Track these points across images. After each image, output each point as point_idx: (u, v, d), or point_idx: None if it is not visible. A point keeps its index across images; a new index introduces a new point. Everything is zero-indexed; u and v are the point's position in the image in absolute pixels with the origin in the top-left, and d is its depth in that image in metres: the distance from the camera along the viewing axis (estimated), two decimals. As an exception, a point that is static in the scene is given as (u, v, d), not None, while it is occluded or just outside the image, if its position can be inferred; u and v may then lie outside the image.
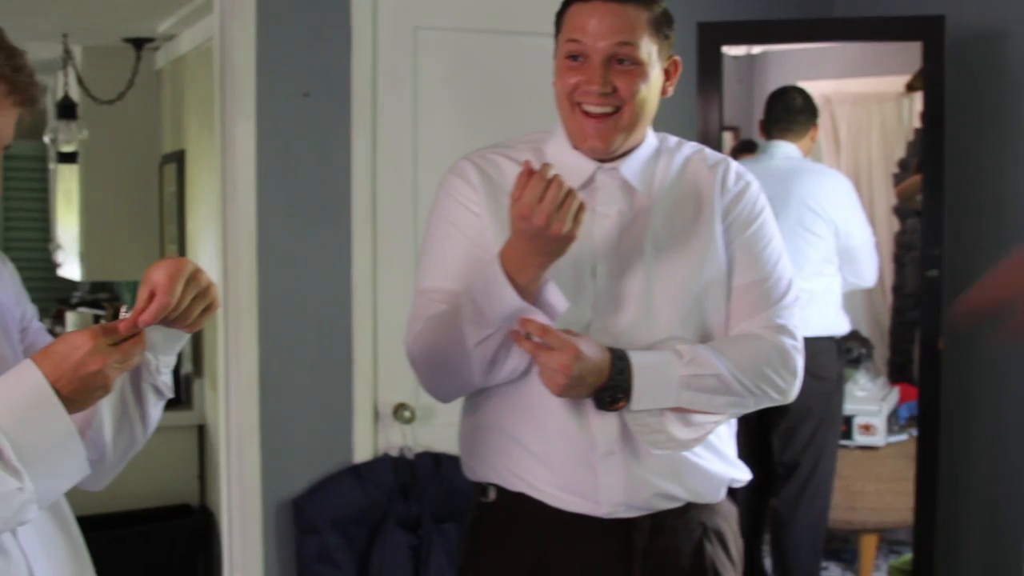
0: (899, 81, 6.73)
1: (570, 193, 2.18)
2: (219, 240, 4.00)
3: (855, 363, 5.01)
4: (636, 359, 2.34)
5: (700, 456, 2.46)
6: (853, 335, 4.93)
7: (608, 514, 2.41)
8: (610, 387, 2.32)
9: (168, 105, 7.37)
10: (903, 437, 5.43)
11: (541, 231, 2.17)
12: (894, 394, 5.61)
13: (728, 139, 4.88)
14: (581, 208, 2.20)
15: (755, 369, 2.40)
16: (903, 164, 7.31)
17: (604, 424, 2.39)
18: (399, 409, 4.03)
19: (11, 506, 1.71)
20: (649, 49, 2.38)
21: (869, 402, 5.37)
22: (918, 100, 6.93)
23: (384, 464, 4.01)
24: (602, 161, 2.44)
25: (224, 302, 3.98)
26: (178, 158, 6.84)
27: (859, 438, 5.34)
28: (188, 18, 6.29)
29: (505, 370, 2.37)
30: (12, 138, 1.88)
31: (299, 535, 3.93)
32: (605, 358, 2.31)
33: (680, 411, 2.38)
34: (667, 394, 2.35)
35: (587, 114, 2.39)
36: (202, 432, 6.16)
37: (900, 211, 6.93)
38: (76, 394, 1.77)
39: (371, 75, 3.99)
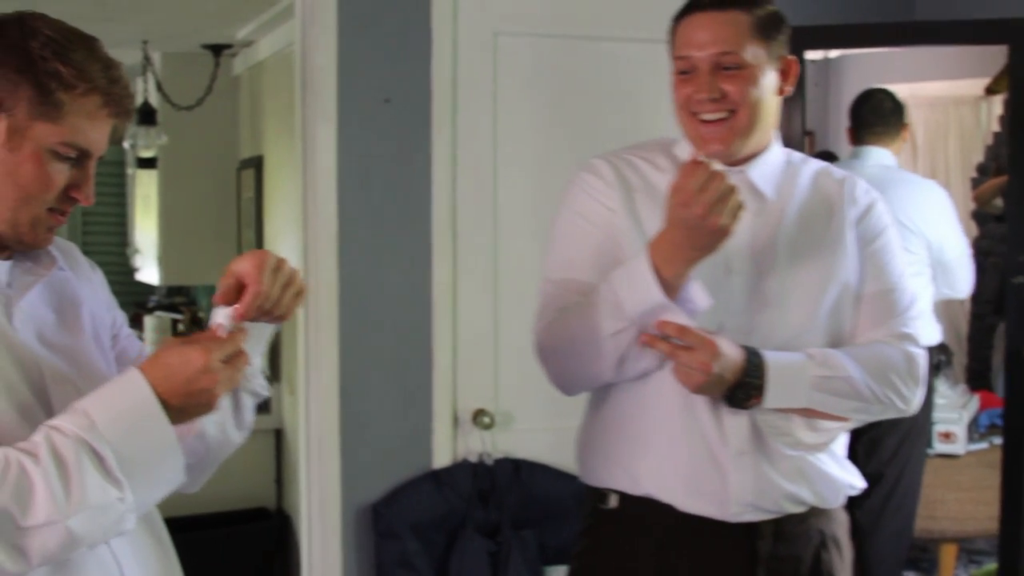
0: (977, 84, 6.66)
1: (732, 188, 2.20)
2: (300, 245, 4.01)
3: (935, 370, 4.96)
4: (770, 358, 2.36)
5: (824, 461, 2.49)
6: (934, 342, 4.87)
7: (735, 516, 2.42)
8: (744, 384, 2.34)
9: (246, 111, 7.41)
10: (984, 445, 5.37)
11: (699, 221, 2.18)
12: (974, 402, 5.54)
13: (805, 143, 4.84)
14: (740, 206, 2.22)
15: (883, 376, 2.42)
16: (981, 169, 7.24)
17: (737, 423, 2.40)
18: (478, 415, 4.02)
19: (111, 516, 1.72)
20: (755, 52, 2.40)
21: (949, 410, 5.31)
22: (997, 103, 6.87)
23: (463, 470, 4.00)
24: (728, 165, 2.42)
25: (305, 308, 3.99)
26: (256, 163, 6.88)
27: (939, 446, 5.29)
28: (267, 24, 6.32)
29: (637, 365, 2.38)
30: (106, 148, 1.90)
31: (378, 540, 3.93)
32: (740, 356, 2.33)
33: (807, 414, 2.41)
34: (799, 394, 2.38)
35: (703, 121, 2.42)
36: (279, 436, 6.19)
37: (978, 216, 6.86)
38: (183, 409, 1.78)
39: (451, 80, 3.99)
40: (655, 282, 2.25)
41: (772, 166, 2.52)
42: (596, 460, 2.56)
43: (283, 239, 6.35)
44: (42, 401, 1.87)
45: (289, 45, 5.99)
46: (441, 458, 4.04)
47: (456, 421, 4.05)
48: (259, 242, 6.88)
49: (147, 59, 7.11)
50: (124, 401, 1.74)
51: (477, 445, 4.03)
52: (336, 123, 3.90)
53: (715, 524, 2.43)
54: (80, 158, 1.85)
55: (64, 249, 2.08)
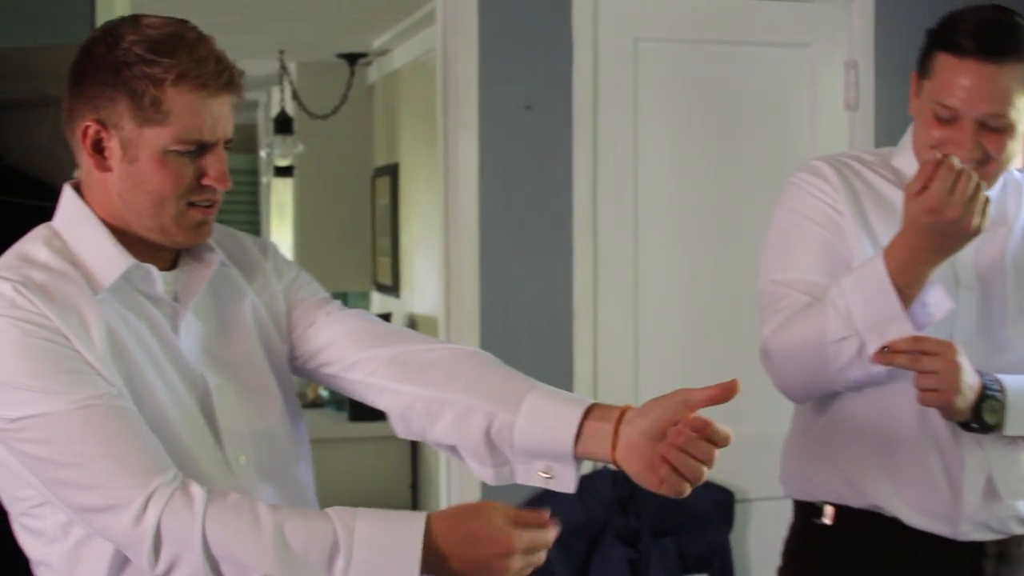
0: None
1: (979, 185, 2.13)
2: (441, 253, 4.03)
3: None
4: (1009, 382, 2.27)
5: None
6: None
7: (963, 535, 2.35)
8: (983, 407, 2.24)
9: (380, 119, 7.48)
10: None
11: (952, 225, 2.11)
12: None
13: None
14: (988, 202, 2.14)
15: None
16: None
17: (972, 437, 2.32)
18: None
19: None
20: (1021, 105, 2.26)
21: None
22: None
23: (603, 477, 3.99)
24: None
25: (446, 314, 4.02)
26: (391, 171, 6.94)
27: None
28: (403, 33, 6.38)
29: (864, 374, 2.29)
30: (231, 131, 1.87)
31: (518, 547, 3.93)
32: (977, 375, 2.23)
33: None
34: None
35: None
36: (415, 443, 6.22)
37: None
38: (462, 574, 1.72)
39: (592, 87, 3.99)
40: (892, 290, 2.18)
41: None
42: (811, 472, 2.47)
43: (420, 246, 6.40)
44: (207, 415, 1.89)
45: (425, 53, 6.05)
46: (581, 465, 4.02)
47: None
48: (394, 249, 6.93)
49: (283, 69, 7.21)
50: (391, 540, 1.70)
51: (618, 452, 4.01)
52: (477, 130, 3.92)
53: (941, 541, 2.36)
54: (200, 148, 1.83)
55: (232, 241, 2.06)
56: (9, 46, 3.76)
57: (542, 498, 3.93)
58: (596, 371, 4.01)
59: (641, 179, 4.04)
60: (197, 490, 1.70)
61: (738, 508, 4.07)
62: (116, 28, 1.83)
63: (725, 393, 1.73)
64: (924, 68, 2.33)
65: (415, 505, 6.25)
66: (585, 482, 3.99)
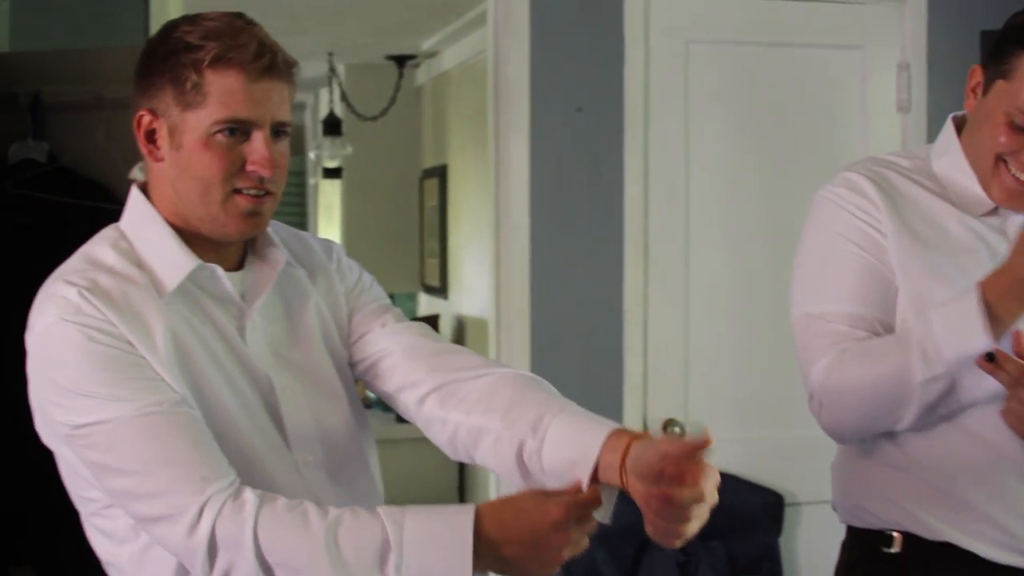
0: None
1: None
2: (492, 255, 4.03)
3: None
4: None
5: None
6: None
7: None
8: None
9: (429, 121, 7.49)
10: None
11: None
12: None
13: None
14: None
15: None
16: None
17: None
18: (668, 424, 4.00)
19: None
20: None
21: None
22: None
23: (653, 479, 3.98)
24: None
25: (496, 317, 4.02)
26: (440, 173, 6.95)
27: None
28: (453, 35, 6.39)
29: (944, 412, 2.18)
30: (280, 117, 1.85)
31: (567, 548, 3.93)
32: None
33: None
34: None
35: (1016, 178, 2.20)
36: (462, 443, 6.23)
37: None
38: (522, 561, 1.70)
39: (643, 89, 3.98)
40: (984, 326, 2.06)
41: None
42: (875, 501, 2.31)
43: (468, 248, 6.41)
44: (274, 416, 1.89)
45: (475, 55, 6.06)
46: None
47: (646, 430, 4.03)
48: (442, 251, 6.94)
49: (332, 70, 7.23)
50: (442, 533, 1.68)
51: (667, 454, 4.00)
52: (528, 132, 3.92)
53: (1016, 573, 2.23)
54: (244, 130, 1.82)
55: (297, 242, 2.07)
56: (64, 49, 3.79)
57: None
58: (646, 373, 4.00)
59: (692, 181, 4.03)
60: (249, 496, 1.70)
61: (788, 512, 4.05)
62: (174, 23, 1.86)
63: (700, 445, 1.68)
64: (1002, 68, 2.19)
65: (462, 502, 6.26)
66: (635, 484, 3.98)
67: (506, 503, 1.71)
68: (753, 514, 4.00)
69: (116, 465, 1.74)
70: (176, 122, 1.82)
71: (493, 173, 4.01)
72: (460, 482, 6.25)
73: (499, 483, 4.06)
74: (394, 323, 2.07)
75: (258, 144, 1.83)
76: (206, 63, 1.79)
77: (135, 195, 1.92)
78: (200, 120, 1.80)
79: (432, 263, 7.25)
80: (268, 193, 1.87)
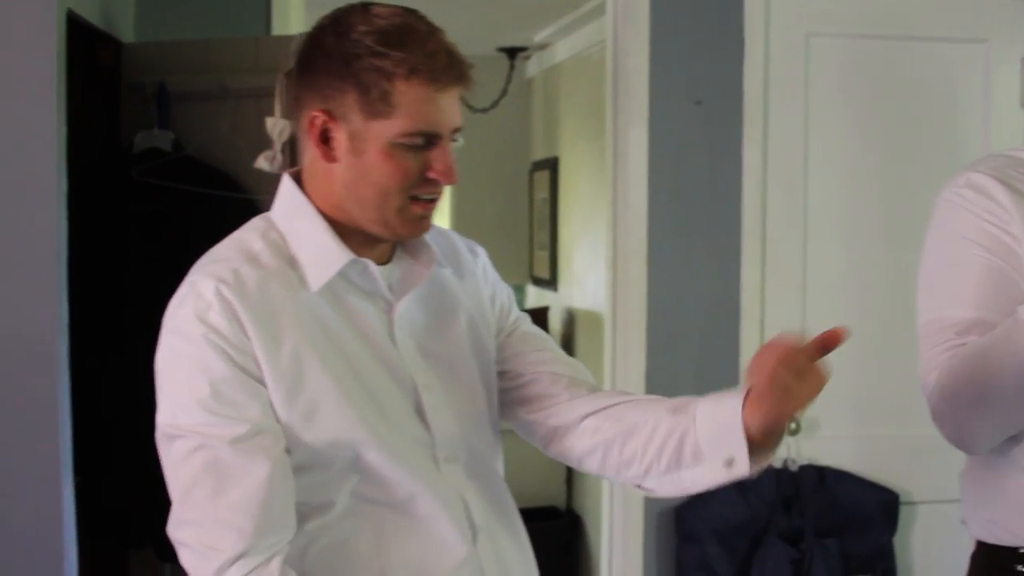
0: None
1: None
2: (608, 248, 4.02)
3: None
4: None
5: None
6: None
7: None
8: None
9: (539, 113, 7.49)
10: None
11: None
12: None
13: None
14: None
15: None
16: None
17: None
18: (784, 421, 3.97)
19: None
20: None
21: None
22: None
23: (767, 475, 3.95)
24: None
25: (612, 311, 4.01)
26: (551, 165, 6.94)
27: None
28: (566, 27, 6.39)
29: None
30: (459, 122, 1.83)
31: (680, 544, 3.92)
32: None
33: None
34: None
35: None
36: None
37: None
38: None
39: (763, 82, 3.94)
40: None
41: None
42: (1011, 515, 2.17)
43: (579, 241, 6.40)
44: (419, 413, 1.89)
45: (588, 47, 6.05)
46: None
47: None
48: (552, 243, 6.94)
49: (444, 62, 7.25)
50: None
51: (782, 451, 3.98)
52: (647, 125, 3.90)
53: None
54: (428, 142, 1.79)
55: (443, 240, 2.05)
56: (189, 39, 3.85)
57: (704, 496, 3.92)
58: (763, 370, 3.97)
59: (811, 176, 3.98)
60: (276, 569, 1.71)
61: (903, 511, 4.00)
62: (346, 17, 1.81)
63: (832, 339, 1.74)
64: None
65: (570, 500, 6.26)
66: (749, 480, 3.95)
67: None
68: (868, 512, 3.96)
69: (177, 480, 1.75)
70: (358, 129, 1.78)
71: (610, 166, 4.00)
72: (568, 474, 6.26)
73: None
74: (533, 340, 2.10)
75: (442, 154, 1.81)
76: (399, 75, 1.75)
77: (288, 185, 1.90)
78: (385, 129, 1.77)
79: (542, 255, 7.25)
80: (438, 197, 1.87)
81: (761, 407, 1.74)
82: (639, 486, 1.98)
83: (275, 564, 1.71)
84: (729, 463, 1.82)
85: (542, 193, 7.19)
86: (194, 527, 1.72)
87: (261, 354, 1.74)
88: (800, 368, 1.71)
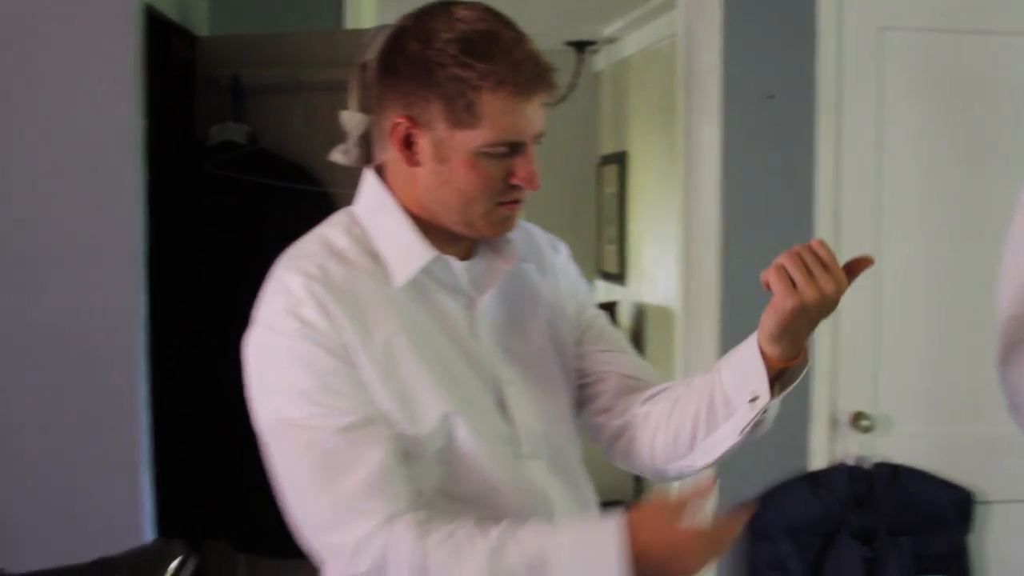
0: None
1: None
2: (680, 243, 4.01)
3: None
4: None
5: None
6: None
7: None
8: None
9: (608, 107, 7.48)
10: None
11: None
12: None
13: None
14: None
15: None
16: None
17: None
18: (857, 418, 3.94)
19: None
20: None
21: None
22: None
23: (840, 473, 3.92)
24: None
25: (685, 306, 4.00)
26: (619, 159, 6.93)
27: None
28: (636, 21, 6.37)
29: None
30: (541, 126, 1.82)
31: (752, 540, 3.90)
32: None
33: None
34: None
35: None
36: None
37: None
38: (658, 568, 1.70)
39: (835, 77, 3.92)
40: None
41: None
42: None
43: (649, 235, 6.39)
44: (501, 408, 1.89)
45: (658, 41, 6.04)
46: (817, 460, 3.98)
47: (834, 423, 3.98)
48: (621, 238, 6.93)
49: (513, 56, 7.26)
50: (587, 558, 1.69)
51: (855, 448, 3.95)
52: (720, 119, 3.88)
53: None
54: (512, 149, 1.79)
55: (525, 235, 2.05)
56: (263, 33, 3.87)
57: (776, 493, 3.90)
58: (836, 364, 3.95)
59: (885, 172, 3.95)
60: (407, 527, 1.70)
61: (979, 510, 3.96)
62: (428, 21, 1.79)
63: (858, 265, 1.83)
64: None
65: (638, 494, 6.25)
66: (822, 477, 3.94)
67: (645, 523, 1.71)
68: (942, 511, 3.92)
69: (292, 476, 1.76)
70: (443, 137, 1.78)
71: (683, 160, 3.99)
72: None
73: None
74: (607, 341, 2.11)
75: (525, 160, 1.81)
76: (485, 88, 1.74)
77: (371, 181, 1.90)
78: (469, 139, 1.76)
79: (610, 249, 7.24)
80: (522, 199, 1.86)
81: (768, 310, 1.85)
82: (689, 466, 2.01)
83: (406, 520, 1.70)
84: (753, 399, 1.87)
85: (610, 187, 7.18)
86: (318, 521, 1.73)
87: (355, 344, 1.75)
88: (809, 265, 1.82)
